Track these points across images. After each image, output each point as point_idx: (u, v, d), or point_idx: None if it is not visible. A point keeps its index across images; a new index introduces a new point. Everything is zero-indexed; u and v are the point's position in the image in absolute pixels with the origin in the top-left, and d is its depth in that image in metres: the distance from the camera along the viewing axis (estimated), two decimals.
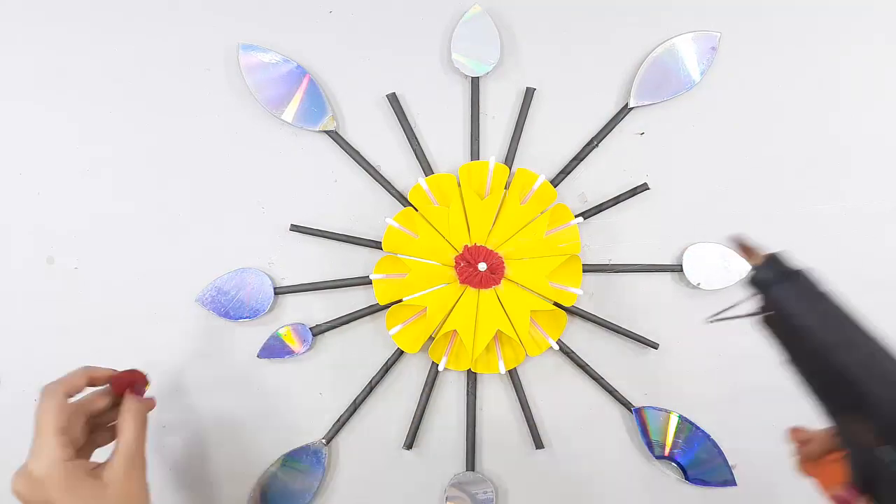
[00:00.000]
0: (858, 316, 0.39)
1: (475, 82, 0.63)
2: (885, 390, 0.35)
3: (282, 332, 0.62)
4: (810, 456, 0.43)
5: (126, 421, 0.49)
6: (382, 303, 0.61)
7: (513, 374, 0.63)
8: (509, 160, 0.63)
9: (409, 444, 0.63)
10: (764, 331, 0.42)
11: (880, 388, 0.35)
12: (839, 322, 0.38)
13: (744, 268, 0.60)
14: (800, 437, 0.44)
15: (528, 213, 0.60)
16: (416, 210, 0.61)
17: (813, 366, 0.39)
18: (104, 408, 0.50)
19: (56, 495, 0.43)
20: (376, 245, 0.62)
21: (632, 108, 0.64)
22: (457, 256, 0.60)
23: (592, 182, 0.64)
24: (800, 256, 0.65)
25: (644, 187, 0.63)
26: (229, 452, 0.64)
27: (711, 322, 0.47)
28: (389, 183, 0.63)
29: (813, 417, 0.64)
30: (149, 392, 0.55)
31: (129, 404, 0.50)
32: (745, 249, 0.45)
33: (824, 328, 0.38)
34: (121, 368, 0.54)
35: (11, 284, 0.63)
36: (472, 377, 0.63)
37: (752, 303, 0.43)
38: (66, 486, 0.43)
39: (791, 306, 0.40)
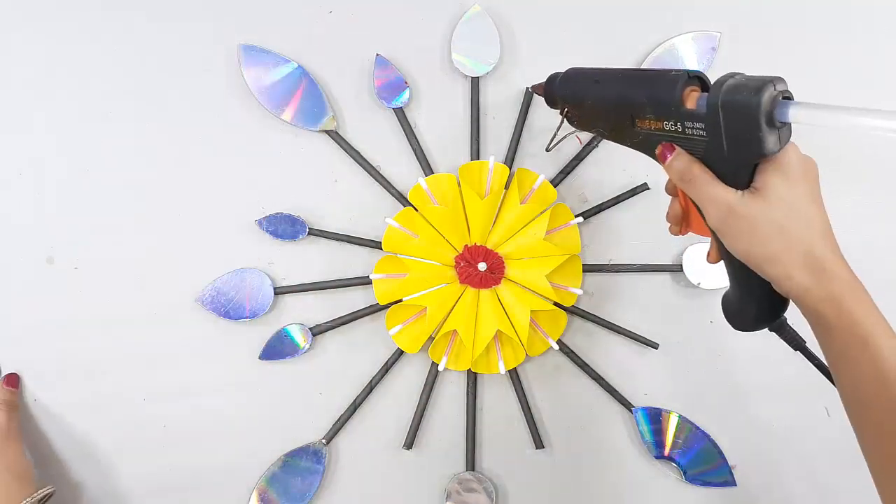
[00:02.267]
0: (606, 67, 0.49)
1: (475, 82, 0.63)
2: (638, 90, 0.44)
3: (291, 329, 0.63)
4: (676, 214, 0.48)
5: None
6: (382, 303, 0.61)
7: (513, 374, 0.63)
8: (509, 160, 0.63)
9: (409, 444, 0.63)
10: (575, 128, 0.52)
11: (635, 91, 0.44)
12: (598, 76, 0.49)
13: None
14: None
15: (528, 212, 0.60)
16: (416, 210, 0.61)
17: (604, 119, 0.48)
18: None
19: None
20: (376, 245, 0.62)
21: None
22: (457, 256, 0.60)
23: (592, 182, 0.64)
24: None
25: (644, 187, 0.63)
26: (229, 452, 0.64)
27: (548, 151, 0.56)
28: (389, 183, 0.63)
29: (812, 417, 0.64)
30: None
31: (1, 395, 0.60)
32: (536, 88, 0.55)
33: (592, 86, 0.49)
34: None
35: (11, 284, 0.63)
36: (472, 377, 0.63)
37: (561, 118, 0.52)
38: None
39: (571, 92, 0.50)
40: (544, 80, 0.54)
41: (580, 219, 0.61)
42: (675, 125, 0.42)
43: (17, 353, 0.63)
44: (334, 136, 0.63)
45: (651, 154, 0.46)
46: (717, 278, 0.63)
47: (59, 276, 0.63)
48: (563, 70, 0.52)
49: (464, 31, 0.63)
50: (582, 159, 0.64)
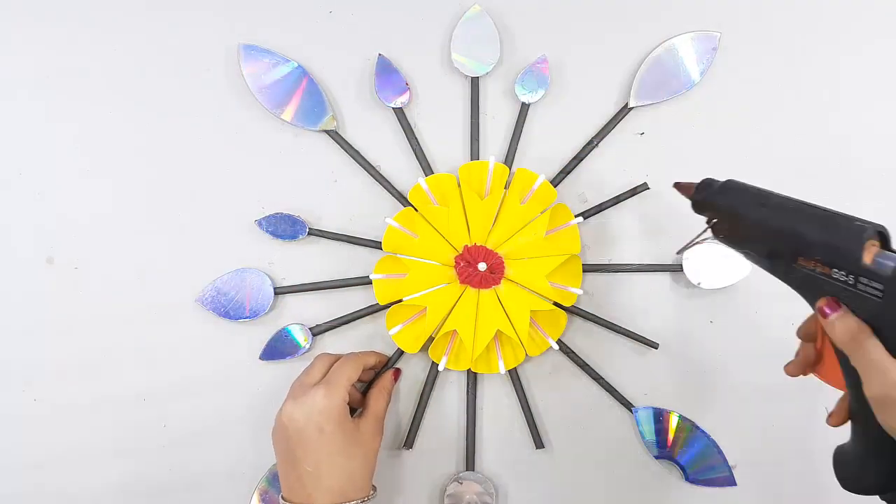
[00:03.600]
0: (772, 190, 0.47)
1: (475, 82, 0.63)
2: (812, 228, 0.42)
3: (292, 329, 0.63)
4: (808, 357, 0.47)
5: (379, 393, 0.60)
6: (382, 303, 0.61)
7: (513, 374, 0.63)
8: (509, 160, 0.63)
9: (410, 444, 0.63)
10: (719, 241, 0.49)
11: (809, 227, 0.42)
12: (765, 198, 0.46)
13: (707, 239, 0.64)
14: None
15: (528, 212, 0.60)
16: (416, 210, 0.61)
17: (761, 244, 0.46)
18: (367, 371, 0.61)
19: (330, 425, 0.53)
20: (376, 245, 0.62)
21: (632, 108, 0.64)
22: (457, 256, 0.60)
23: (592, 182, 0.64)
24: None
25: (644, 187, 0.63)
26: (230, 452, 0.64)
27: (679, 254, 0.55)
28: (389, 183, 0.63)
29: (812, 417, 0.64)
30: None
31: (384, 382, 0.61)
32: (682, 187, 0.53)
33: (756, 208, 0.46)
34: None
35: (11, 284, 0.63)
36: (472, 377, 0.63)
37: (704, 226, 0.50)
38: (339, 420, 0.54)
39: (728, 205, 0.48)
40: (694, 181, 0.51)
41: (580, 219, 0.61)
42: (847, 276, 0.39)
43: (17, 353, 0.63)
44: (334, 135, 0.63)
45: (805, 295, 0.43)
46: (717, 278, 0.63)
47: (59, 276, 0.63)
48: (720, 179, 0.50)
49: (464, 31, 0.63)
50: (582, 159, 0.64)
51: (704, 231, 0.50)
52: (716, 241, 0.49)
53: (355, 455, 0.54)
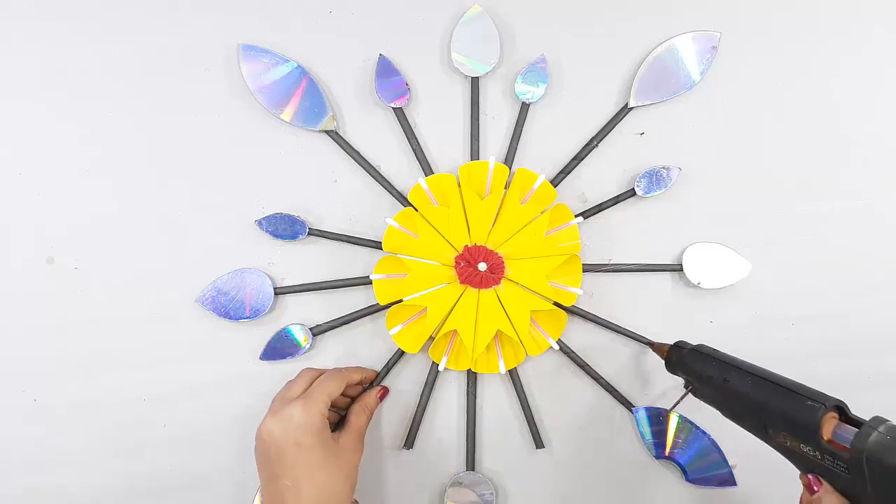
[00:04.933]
0: (739, 358, 0.50)
1: (475, 82, 0.63)
2: (773, 404, 0.44)
3: (293, 329, 0.63)
4: None
5: (361, 409, 0.60)
6: (382, 303, 0.61)
7: (513, 374, 0.63)
8: (509, 160, 0.63)
9: (410, 444, 0.63)
10: (698, 398, 0.52)
11: (771, 403, 0.44)
12: (728, 371, 0.49)
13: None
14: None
15: (528, 212, 0.60)
16: (416, 210, 0.61)
17: (733, 413, 0.49)
18: (351, 386, 0.61)
19: (308, 439, 0.53)
20: (376, 245, 0.62)
21: (632, 108, 0.64)
22: (457, 256, 0.60)
23: (592, 182, 0.64)
24: (801, 255, 0.65)
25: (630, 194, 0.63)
26: (230, 453, 0.64)
27: (671, 411, 0.60)
28: (389, 183, 0.63)
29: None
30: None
31: (368, 399, 0.61)
32: (656, 348, 0.58)
33: (721, 381, 0.49)
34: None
35: (11, 284, 0.63)
36: (472, 377, 0.63)
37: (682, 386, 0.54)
38: (317, 434, 0.53)
39: (697, 372, 0.51)
40: (668, 342, 0.55)
41: (580, 219, 0.61)
42: (814, 452, 0.42)
43: (17, 353, 0.63)
44: (334, 136, 0.63)
45: (792, 462, 0.45)
46: (717, 278, 0.63)
47: (59, 276, 0.63)
48: (691, 342, 0.54)
49: (464, 31, 0.63)
50: (582, 159, 0.64)
51: (685, 395, 0.54)
52: (693, 396, 0.53)
53: (335, 470, 0.54)
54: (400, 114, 0.63)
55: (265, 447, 0.53)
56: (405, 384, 0.64)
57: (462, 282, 0.60)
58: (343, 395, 0.59)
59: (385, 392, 0.63)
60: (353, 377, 0.60)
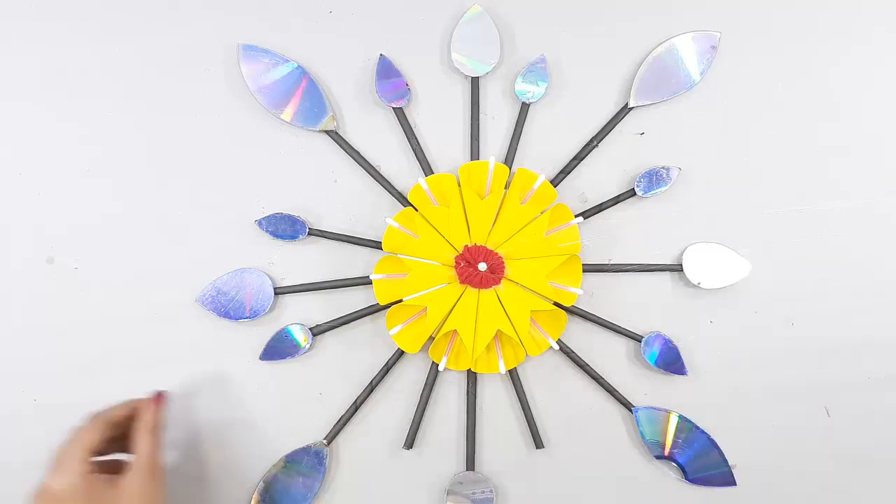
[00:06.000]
0: None
1: (475, 82, 0.63)
2: None
3: (292, 329, 0.63)
4: None
5: (141, 435, 0.52)
6: (382, 303, 0.61)
7: (513, 374, 0.63)
8: (509, 160, 0.63)
9: (410, 444, 0.63)
10: None
11: None
12: None
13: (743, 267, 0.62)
14: None
15: (528, 212, 0.60)
16: (416, 210, 0.61)
17: None
18: (122, 419, 0.54)
19: None
20: (376, 245, 0.62)
21: (632, 108, 0.64)
22: (457, 256, 0.60)
23: (592, 182, 0.64)
24: (801, 255, 0.65)
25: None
26: (230, 454, 0.64)
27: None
28: (389, 183, 0.63)
29: (812, 417, 0.64)
30: (150, 393, 0.57)
31: (146, 418, 0.53)
32: None
33: None
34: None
35: (11, 284, 0.63)
36: (472, 377, 0.63)
37: None
38: (85, 499, 0.47)
39: None
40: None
41: (580, 219, 0.61)
42: None
43: (17, 353, 0.63)
44: (334, 136, 0.63)
45: None
46: (718, 278, 0.63)
47: (59, 276, 0.63)
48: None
49: (464, 31, 0.63)
50: (582, 159, 0.64)
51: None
52: None
53: None
54: (400, 114, 0.63)
55: None
56: (405, 384, 0.64)
57: (462, 282, 0.60)
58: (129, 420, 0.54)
59: (161, 398, 0.56)
60: (114, 415, 0.53)
